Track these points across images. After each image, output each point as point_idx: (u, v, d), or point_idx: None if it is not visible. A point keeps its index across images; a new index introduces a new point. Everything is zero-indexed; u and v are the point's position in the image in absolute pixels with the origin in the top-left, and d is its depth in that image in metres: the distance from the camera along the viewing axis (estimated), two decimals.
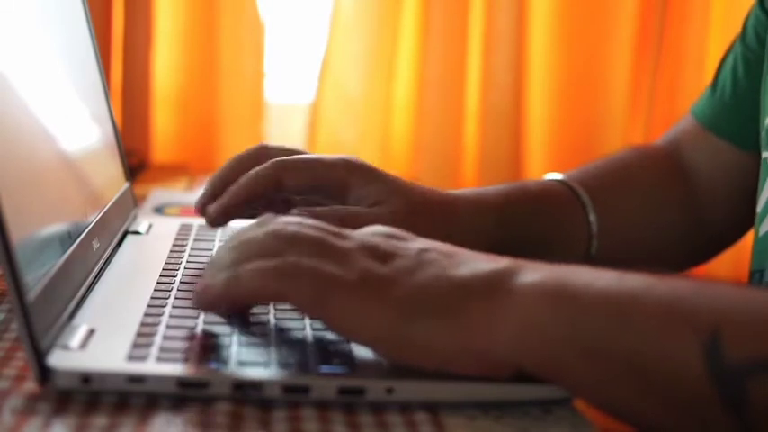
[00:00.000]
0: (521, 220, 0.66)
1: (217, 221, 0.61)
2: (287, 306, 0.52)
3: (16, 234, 0.42)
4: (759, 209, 0.64)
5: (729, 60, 0.75)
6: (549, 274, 0.44)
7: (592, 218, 0.69)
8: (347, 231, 0.48)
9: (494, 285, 0.44)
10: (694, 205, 0.75)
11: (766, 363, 0.39)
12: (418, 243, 0.48)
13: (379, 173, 0.61)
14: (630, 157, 0.77)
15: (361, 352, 0.47)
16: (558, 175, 0.71)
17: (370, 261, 0.45)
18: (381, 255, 0.46)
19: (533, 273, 0.45)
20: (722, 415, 0.39)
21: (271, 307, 0.52)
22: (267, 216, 0.49)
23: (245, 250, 0.46)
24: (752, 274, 0.65)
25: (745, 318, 0.40)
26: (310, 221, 0.48)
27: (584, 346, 0.42)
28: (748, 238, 0.70)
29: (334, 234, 0.47)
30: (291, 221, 0.48)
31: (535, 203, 0.68)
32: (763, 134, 0.65)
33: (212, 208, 0.61)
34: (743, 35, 0.74)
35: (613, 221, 0.70)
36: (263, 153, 0.63)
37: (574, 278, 0.44)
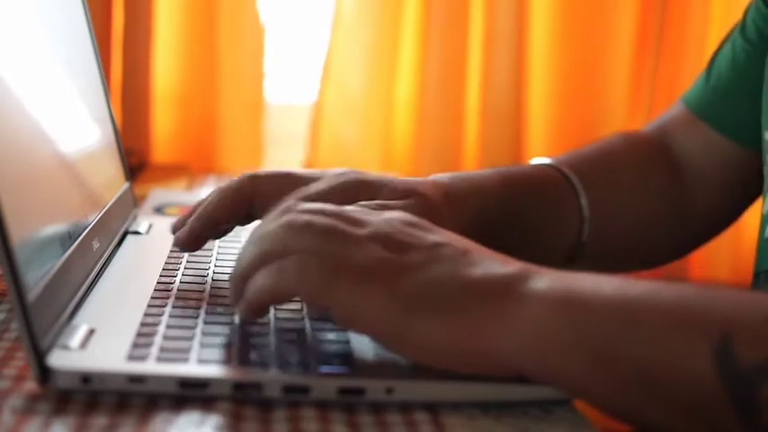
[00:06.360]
0: (518, 202, 0.65)
1: None
2: (287, 306, 0.52)
3: (16, 234, 0.42)
4: (765, 210, 0.64)
5: (726, 50, 0.74)
6: (558, 281, 0.44)
7: (583, 201, 0.68)
8: (365, 217, 0.47)
9: (504, 289, 0.44)
10: (680, 193, 0.74)
11: None
12: (436, 236, 0.47)
13: (380, 182, 0.59)
14: (616, 143, 0.77)
15: (362, 352, 0.47)
16: (546, 160, 0.71)
17: (382, 250, 0.45)
18: (395, 245, 0.46)
19: (543, 279, 0.44)
20: (733, 419, 0.39)
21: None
22: (287, 203, 0.49)
23: (261, 249, 0.46)
24: (756, 275, 0.65)
25: (756, 321, 0.40)
26: (329, 208, 0.47)
27: (594, 353, 0.42)
28: (751, 240, 0.69)
29: (349, 221, 0.47)
30: (307, 209, 0.47)
31: (531, 186, 0.68)
32: (765, 135, 0.65)
33: None
34: (742, 27, 0.73)
35: (602, 206, 0.69)
36: (255, 185, 0.59)
37: (582, 285, 0.44)
